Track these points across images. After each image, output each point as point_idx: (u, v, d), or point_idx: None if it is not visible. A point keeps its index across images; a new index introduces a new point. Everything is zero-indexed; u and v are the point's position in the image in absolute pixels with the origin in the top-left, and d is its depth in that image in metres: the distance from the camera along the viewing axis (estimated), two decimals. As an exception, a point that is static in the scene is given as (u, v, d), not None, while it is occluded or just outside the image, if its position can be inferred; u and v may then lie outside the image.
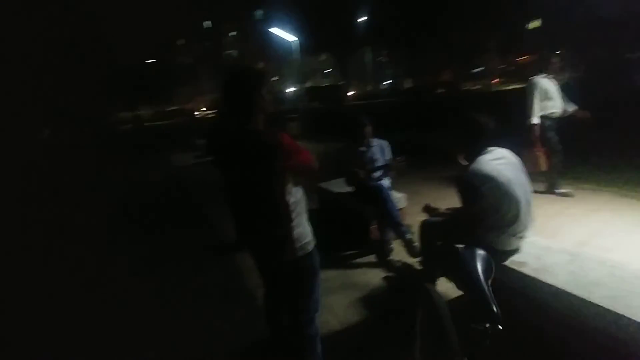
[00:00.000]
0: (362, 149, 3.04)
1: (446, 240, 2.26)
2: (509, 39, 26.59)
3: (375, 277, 2.69)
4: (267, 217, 1.37)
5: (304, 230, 1.45)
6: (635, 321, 1.41)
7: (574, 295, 1.61)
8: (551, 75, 3.72)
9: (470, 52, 28.74)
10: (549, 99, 3.65)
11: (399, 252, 2.88)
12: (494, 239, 1.94)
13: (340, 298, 2.47)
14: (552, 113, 3.68)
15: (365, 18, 27.40)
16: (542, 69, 3.73)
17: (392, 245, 2.91)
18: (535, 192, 3.76)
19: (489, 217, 1.91)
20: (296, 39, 10.91)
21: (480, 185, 1.85)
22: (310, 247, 1.47)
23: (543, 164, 3.61)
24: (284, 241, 1.37)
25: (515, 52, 28.94)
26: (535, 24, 25.52)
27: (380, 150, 3.06)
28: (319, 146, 9.60)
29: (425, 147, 7.41)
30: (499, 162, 1.92)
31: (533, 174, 2.33)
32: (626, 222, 3.15)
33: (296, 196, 1.41)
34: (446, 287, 2.39)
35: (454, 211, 2.20)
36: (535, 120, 3.62)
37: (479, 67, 35.07)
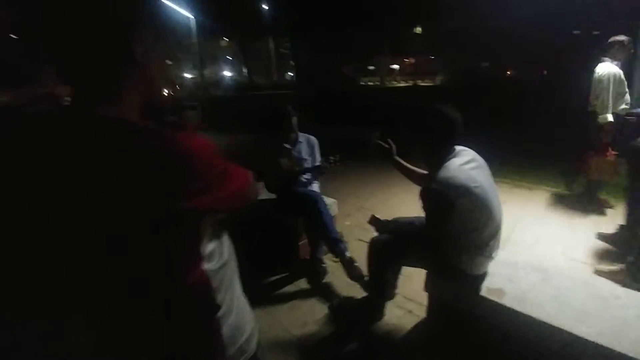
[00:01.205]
0: (287, 146, 2.39)
1: (405, 264, 1.81)
2: (398, 41, 28.88)
3: (312, 312, 2.07)
4: (152, 323, 0.59)
5: (238, 319, 0.71)
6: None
7: (565, 331, 1.33)
8: (617, 62, 3.08)
9: (366, 51, 30.41)
10: (622, 91, 3.05)
11: (334, 272, 2.35)
12: (467, 262, 1.53)
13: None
14: (624, 108, 3.10)
15: (267, 7, 26.42)
16: (611, 54, 3.06)
17: (325, 264, 2.36)
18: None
19: (463, 236, 1.49)
20: (192, 17, 9.43)
21: (454, 199, 1.41)
22: (252, 346, 0.75)
23: (614, 172, 3.09)
24: None
25: (403, 53, 31.83)
26: (418, 29, 28.33)
27: (308, 147, 2.46)
28: (223, 137, 8.54)
29: (340, 141, 7.13)
30: (470, 166, 1.51)
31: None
32: (531, 212, 3.30)
33: (220, 255, 0.68)
34: (397, 315, 1.98)
35: (413, 227, 1.74)
36: (610, 117, 2.99)
37: (372, 66, 37.57)
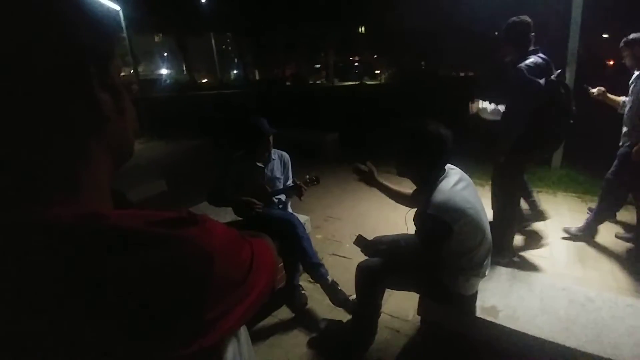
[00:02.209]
0: (260, 165, 2.19)
1: (395, 289, 1.74)
2: (343, 39, 29.34)
3: (296, 347, 1.89)
4: None
5: None
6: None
7: (555, 343, 1.37)
8: None
9: (311, 49, 30.47)
10: None
11: (312, 296, 2.22)
12: (462, 284, 1.50)
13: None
14: None
15: (205, 1, 24.94)
16: None
17: (304, 291, 2.21)
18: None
19: (458, 259, 1.46)
20: (119, 8, 8.41)
21: (451, 224, 1.36)
22: None
23: None
24: None
25: (347, 52, 32.44)
26: (362, 29, 29.03)
27: (281, 165, 2.28)
28: (165, 145, 7.80)
29: (295, 145, 6.88)
30: (461, 186, 1.47)
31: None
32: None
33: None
34: (385, 337, 1.92)
35: (401, 249, 1.68)
36: None
37: (318, 64, 37.71)
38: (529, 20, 2.23)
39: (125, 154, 0.47)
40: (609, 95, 2.80)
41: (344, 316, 2.02)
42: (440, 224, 1.36)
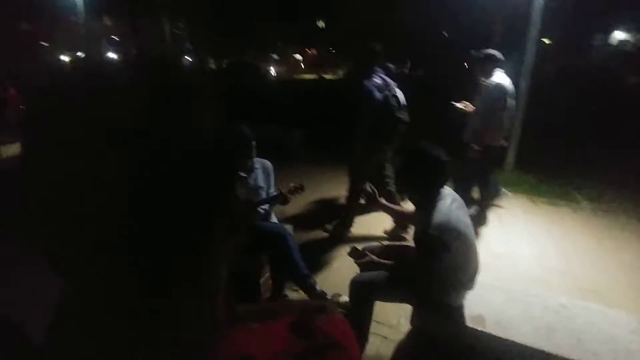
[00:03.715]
0: (242, 174, 2.07)
1: (387, 301, 1.75)
2: (301, 30, 28.76)
3: None
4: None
5: None
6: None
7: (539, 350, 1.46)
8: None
9: (268, 40, 29.58)
10: None
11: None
12: (452, 297, 1.56)
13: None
14: None
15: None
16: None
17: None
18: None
19: (453, 274, 1.50)
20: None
21: (450, 243, 1.40)
22: None
23: None
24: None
25: (305, 44, 31.99)
26: (321, 23, 28.74)
27: (264, 174, 2.17)
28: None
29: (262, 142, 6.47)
30: (455, 206, 1.51)
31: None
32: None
33: None
34: (375, 345, 1.94)
35: (398, 265, 1.68)
36: None
37: (276, 55, 36.71)
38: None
39: None
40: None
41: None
42: (439, 244, 1.41)
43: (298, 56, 35.01)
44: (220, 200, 0.36)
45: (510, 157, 4.72)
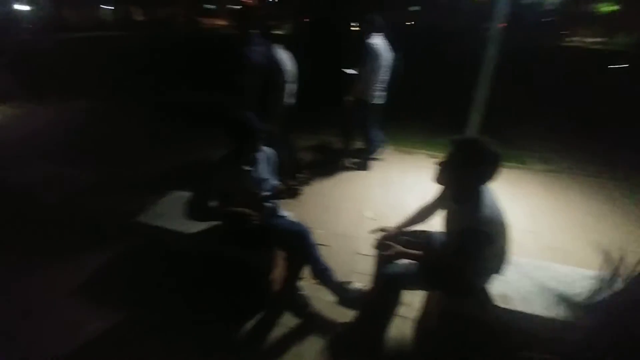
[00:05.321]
0: (247, 167, 1.81)
1: (417, 289, 1.75)
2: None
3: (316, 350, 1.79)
4: None
5: None
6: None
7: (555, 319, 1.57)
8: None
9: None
10: None
11: (311, 295, 2.10)
12: (484, 281, 1.60)
13: None
14: None
15: None
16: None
17: (303, 292, 2.05)
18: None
19: (490, 263, 1.54)
20: None
21: (495, 236, 1.41)
22: None
23: None
24: None
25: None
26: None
27: (268, 165, 1.94)
28: (38, 111, 5.77)
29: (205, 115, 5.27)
30: (494, 196, 1.49)
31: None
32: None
33: None
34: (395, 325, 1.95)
35: (429, 255, 1.64)
36: None
37: (210, 4, 32.47)
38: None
39: None
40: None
41: (347, 313, 1.97)
42: (485, 237, 1.39)
43: (234, 7, 31.50)
44: None
45: (473, 124, 4.93)
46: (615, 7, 22.76)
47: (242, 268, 1.98)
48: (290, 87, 3.00)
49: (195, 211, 1.75)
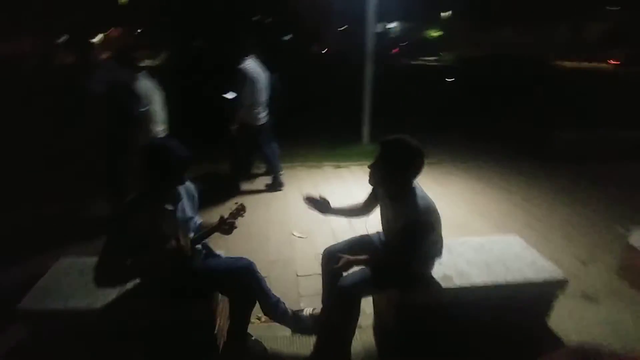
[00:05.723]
0: (169, 207, 1.52)
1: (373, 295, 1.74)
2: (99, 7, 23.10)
3: None
4: None
5: None
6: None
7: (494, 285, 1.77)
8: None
9: (54, 18, 22.53)
10: None
11: (270, 336, 1.87)
12: (430, 267, 1.72)
13: None
14: None
15: None
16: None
17: (253, 336, 1.79)
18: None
19: (432, 249, 1.65)
20: None
21: (435, 224, 1.52)
22: None
23: None
24: None
25: (105, 25, 25.96)
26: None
27: (189, 201, 1.67)
28: None
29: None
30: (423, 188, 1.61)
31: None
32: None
33: None
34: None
35: (375, 256, 1.66)
36: None
37: (63, 36, 28.19)
38: None
39: None
40: None
41: (305, 341, 1.84)
42: (428, 225, 1.49)
43: (96, 38, 27.88)
44: None
45: (365, 132, 5.45)
46: (440, 32, 29.81)
47: (179, 329, 1.63)
48: (157, 114, 2.90)
49: (110, 275, 1.37)
